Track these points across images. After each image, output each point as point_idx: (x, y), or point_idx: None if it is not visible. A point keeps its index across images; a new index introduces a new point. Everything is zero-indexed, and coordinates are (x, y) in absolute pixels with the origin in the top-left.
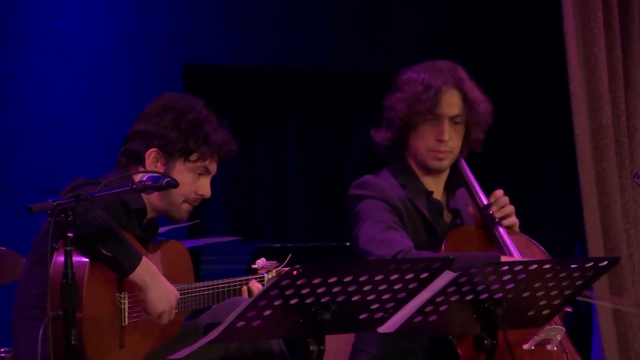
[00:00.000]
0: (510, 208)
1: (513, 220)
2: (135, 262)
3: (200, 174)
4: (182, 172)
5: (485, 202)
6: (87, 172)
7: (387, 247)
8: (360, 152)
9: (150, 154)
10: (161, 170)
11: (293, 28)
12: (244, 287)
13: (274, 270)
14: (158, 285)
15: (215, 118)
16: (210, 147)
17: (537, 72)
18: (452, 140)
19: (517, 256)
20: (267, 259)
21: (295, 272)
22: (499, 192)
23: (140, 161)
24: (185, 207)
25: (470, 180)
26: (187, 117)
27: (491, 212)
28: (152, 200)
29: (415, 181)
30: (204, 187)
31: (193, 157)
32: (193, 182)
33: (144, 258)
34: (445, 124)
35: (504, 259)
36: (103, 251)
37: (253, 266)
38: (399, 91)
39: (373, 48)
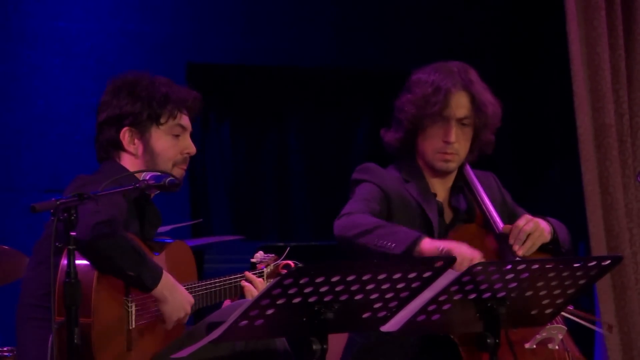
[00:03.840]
0: (531, 241)
1: (533, 248)
2: (157, 279)
3: (177, 135)
4: (159, 138)
5: (500, 225)
6: (91, 171)
7: (345, 210)
8: (364, 151)
9: (124, 135)
10: (140, 145)
11: (296, 27)
12: (243, 282)
13: (272, 264)
14: (175, 296)
15: (165, 79)
16: (174, 103)
17: (540, 72)
18: (459, 142)
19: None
20: (265, 253)
21: (293, 266)
22: (521, 223)
23: (118, 146)
24: (177, 171)
25: (477, 188)
26: (141, 86)
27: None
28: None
29: (421, 181)
30: (186, 144)
31: (163, 119)
32: (174, 143)
33: (164, 272)
34: (453, 125)
35: (425, 241)
36: (127, 272)
37: (252, 260)
38: (409, 92)
39: (376, 47)
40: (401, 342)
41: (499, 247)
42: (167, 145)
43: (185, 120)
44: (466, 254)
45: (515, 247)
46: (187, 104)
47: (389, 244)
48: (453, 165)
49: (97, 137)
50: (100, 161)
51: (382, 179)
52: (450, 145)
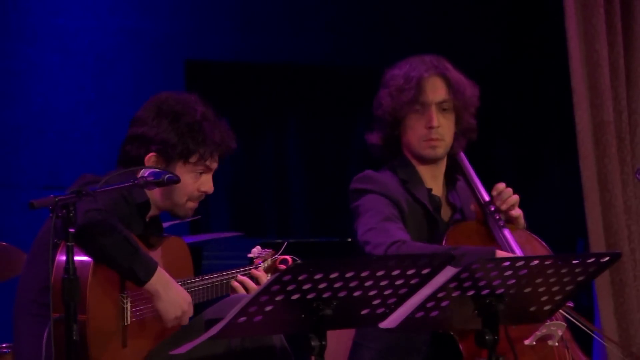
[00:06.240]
0: (515, 198)
1: (518, 212)
2: (150, 272)
3: (201, 173)
4: (182, 174)
5: (486, 198)
6: (90, 168)
7: (385, 235)
8: (361, 148)
9: (150, 159)
10: None
11: (295, 25)
12: (234, 282)
13: (270, 259)
14: (170, 293)
15: (212, 114)
16: (208, 147)
17: (538, 69)
18: (443, 127)
19: (518, 252)
20: (262, 247)
21: (291, 261)
22: (501, 185)
23: (141, 165)
24: (190, 205)
25: (470, 174)
26: (184, 120)
27: (494, 207)
28: (156, 199)
29: (415, 176)
30: (206, 183)
31: (192, 158)
32: (195, 181)
33: (158, 267)
34: (433, 110)
35: (499, 253)
36: (119, 262)
37: (249, 255)
38: (385, 88)
39: (374, 44)
40: (416, 347)
41: (485, 216)
42: (187, 182)
43: (212, 162)
44: None
45: (503, 206)
46: (221, 151)
47: None
48: (440, 151)
49: (124, 145)
50: (118, 165)
51: (385, 187)
52: (434, 130)
